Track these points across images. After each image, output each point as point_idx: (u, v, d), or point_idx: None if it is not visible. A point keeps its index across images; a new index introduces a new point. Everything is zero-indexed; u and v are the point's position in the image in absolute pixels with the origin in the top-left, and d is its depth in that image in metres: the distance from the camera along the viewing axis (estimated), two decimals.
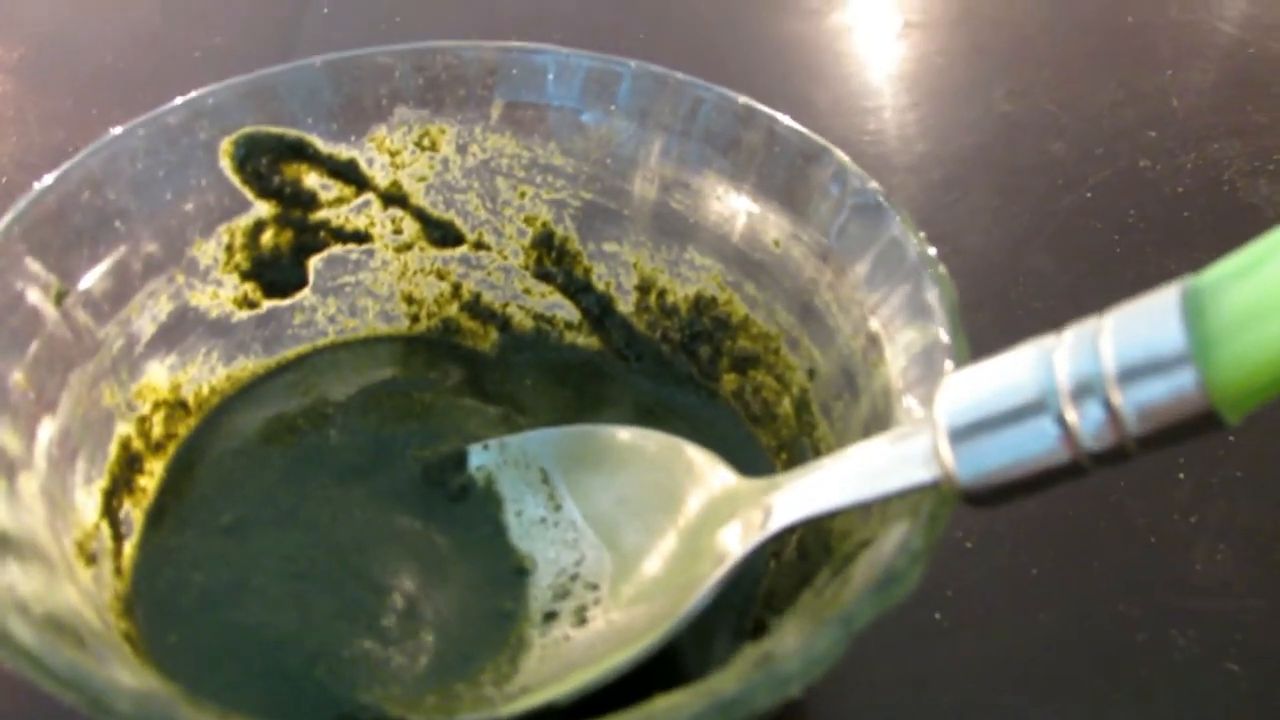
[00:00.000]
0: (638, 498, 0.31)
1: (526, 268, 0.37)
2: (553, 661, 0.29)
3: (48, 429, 0.29)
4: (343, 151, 0.35)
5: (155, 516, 0.32)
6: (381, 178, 0.36)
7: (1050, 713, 0.33)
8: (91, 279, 0.31)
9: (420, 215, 0.37)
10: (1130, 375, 0.21)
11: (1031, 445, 0.22)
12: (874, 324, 0.29)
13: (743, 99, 0.33)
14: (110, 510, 0.31)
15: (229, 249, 0.35)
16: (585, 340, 0.37)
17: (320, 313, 0.37)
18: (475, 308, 0.38)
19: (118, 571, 0.30)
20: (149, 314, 0.33)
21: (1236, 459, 0.38)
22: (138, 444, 0.32)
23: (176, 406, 0.34)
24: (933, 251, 0.29)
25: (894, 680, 0.33)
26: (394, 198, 0.36)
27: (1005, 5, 0.59)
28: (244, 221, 0.35)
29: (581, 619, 0.30)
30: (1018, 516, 0.36)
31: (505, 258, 0.37)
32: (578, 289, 0.37)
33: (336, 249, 0.37)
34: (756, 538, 0.27)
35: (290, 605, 0.30)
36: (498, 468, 0.33)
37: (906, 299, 0.28)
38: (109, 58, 0.55)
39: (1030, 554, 0.36)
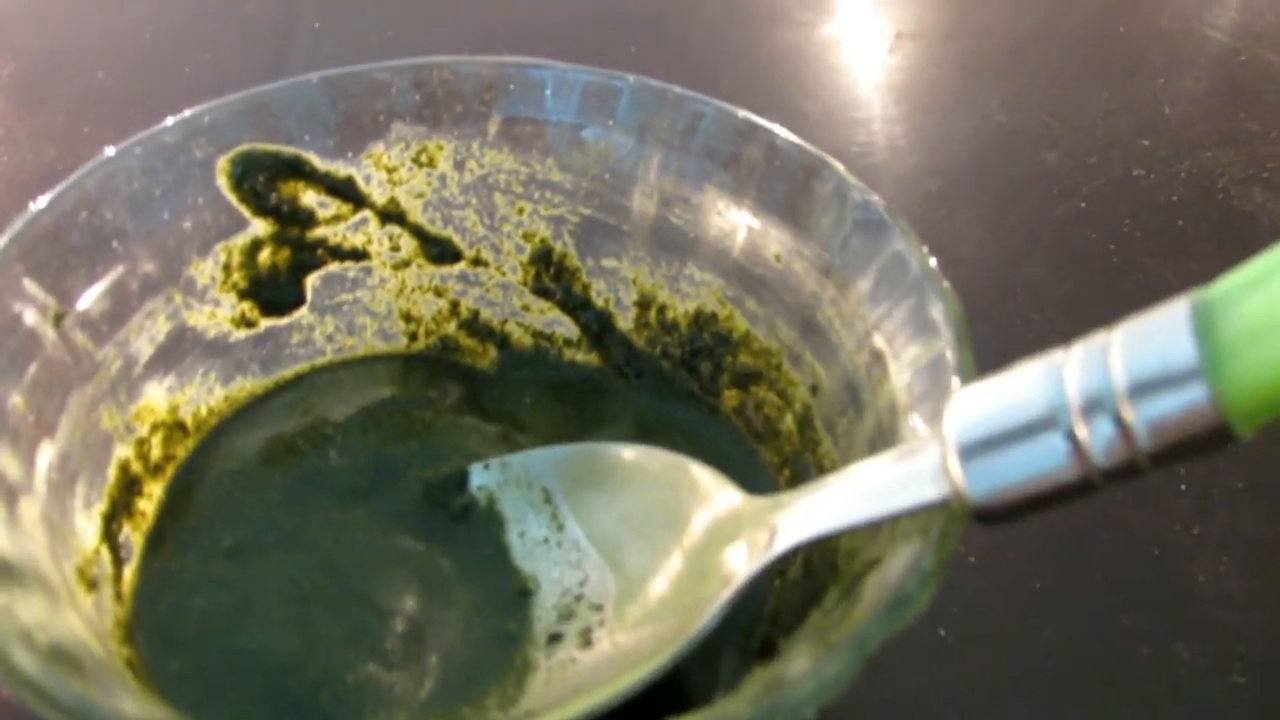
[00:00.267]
0: (641, 517, 0.31)
1: (525, 284, 0.37)
2: (558, 684, 0.28)
3: (47, 453, 0.28)
4: (340, 169, 0.35)
5: (155, 540, 0.32)
6: (379, 194, 0.36)
7: None
8: (89, 299, 0.31)
9: (418, 232, 0.36)
10: (1141, 390, 0.21)
11: (1042, 462, 0.22)
12: (878, 339, 0.29)
13: (742, 113, 0.33)
14: (110, 535, 0.30)
15: (226, 268, 0.34)
16: (585, 357, 0.37)
17: (318, 331, 0.37)
18: (473, 325, 0.38)
19: (118, 597, 0.30)
20: (147, 334, 0.33)
21: (1237, 470, 0.38)
22: (136, 467, 0.32)
23: (175, 428, 0.34)
24: (934, 262, 0.29)
25: (901, 697, 0.33)
26: (391, 214, 0.36)
27: (997, 16, 0.59)
28: (241, 240, 0.34)
29: (586, 641, 0.29)
30: (1020, 531, 0.35)
31: (503, 274, 0.37)
32: (577, 305, 0.37)
33: (334, 267, 0.36)
34: (763, 559, 0.27)
35: (293, 630, 0.30)
36: (499, 487, 0.33)
37: (911, 314, 0.28)
38: (99, 74, 0.55)
39: (1033, 568, 0.36)
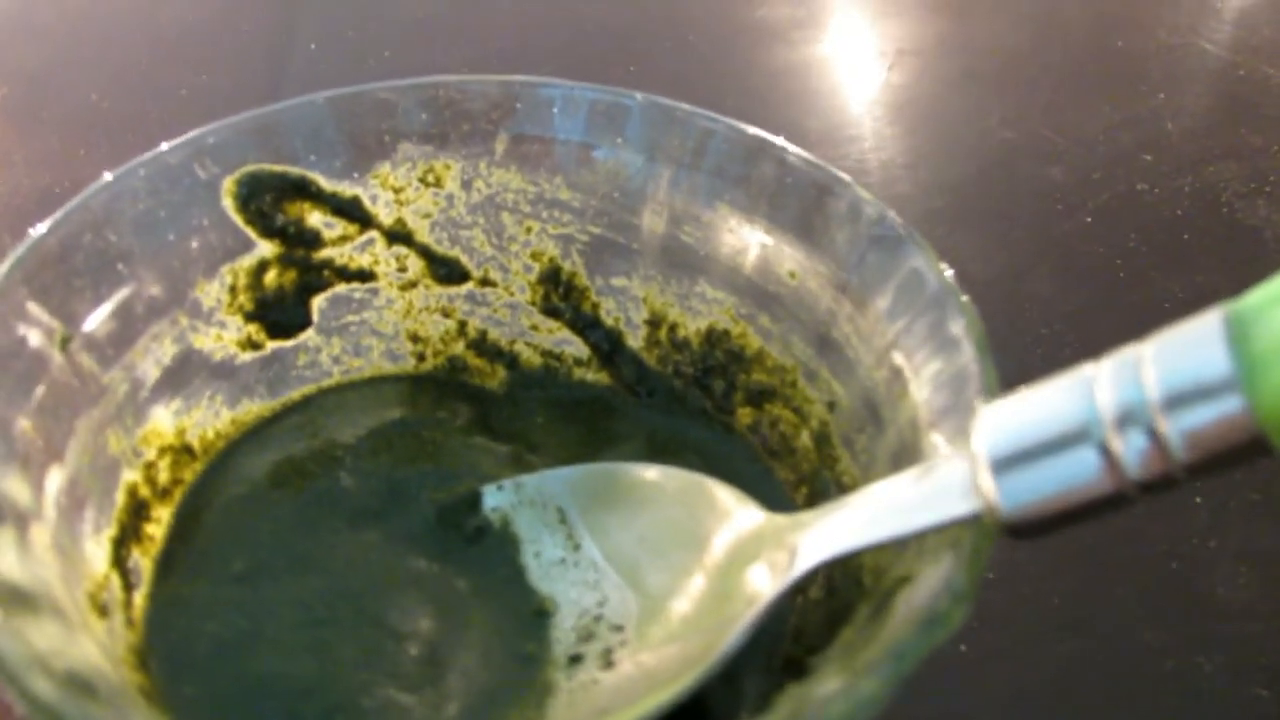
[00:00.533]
0: (660, 536, 0.31)
1: (534, 304, 0.37)
2: (582, 706, 0.28)
3: (56, 478, 0.28)
4: (346, 189, 0.35)
5: (165, 565, 0.31)
6: (385, 215, 0.35)
7: None
8: (95, 322, 0.30)
9: (425, 252, 0.36)
10: (1175, 402, 0.21)
11: (1075, 474, 0.22)
12: (897, 355, 0.29)
13: (753, 130, 0.33)
14: (119, 560, 0.30)
15: (232, 290, 0.34)
16: (595, 376, 0.37)
17: (324, 353, 0.36)
18: (482, 345, 0.37)
19: (129, 623, 0.29)
20: (153, 357, 0.32)
21: (1252, 482, 0.38)
22: (145, 491, 0.32)
23: (182, 452, 0.33)
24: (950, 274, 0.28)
25: (924, 713, 0.32)
26: (398, 235, 0.36)
27: (996, 33, 0.60)
28: (247, 262, 0.34)
29: (608, 661, 0.29)
30: (1038, 546, 0.35)
31: (512, 294, 0.37)
32: (586, 325, 0.37)
33: (340, 288, 0.36)
34: (786, 578, 0.26)
35: (308, 654, 0.29)
36: (513, 508, 0.33)
37: (930, 329, 0.28)
38: (94, 97, 0.54)
39: (1052, 583, 0.35)
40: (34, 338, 0.29)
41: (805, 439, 0.33)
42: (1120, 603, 0.35)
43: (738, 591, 0.28)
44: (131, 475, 0.31)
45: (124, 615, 0.29)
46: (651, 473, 0.32)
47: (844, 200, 0.31)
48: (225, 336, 0.34)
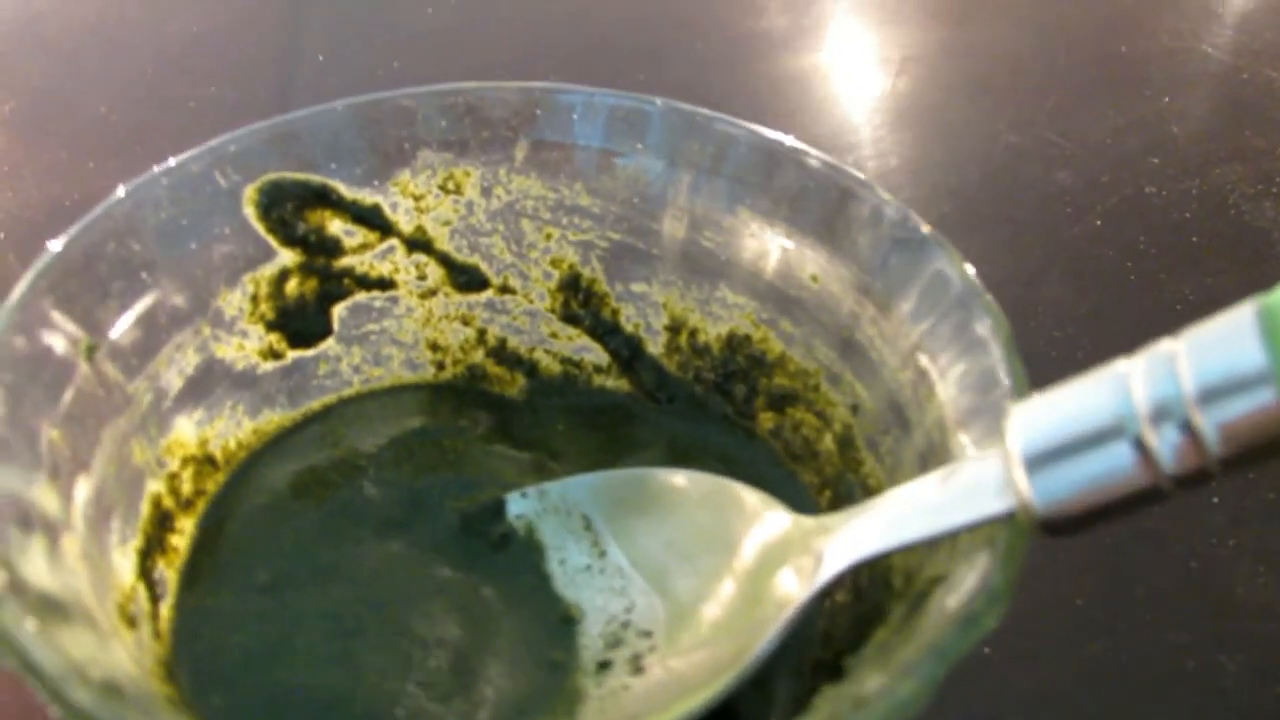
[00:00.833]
0: (687, 541, 0.31)
1: (553, 311, 0.37)
2: (613, 712, 0.28)
3: (83, 489, 0.28)
4: (366, 197, 0.35)
5: (190, 576, 0.31)
6: (405, 222, 0.35)
7: None
8: (119, 331, 0.30)
9: (445, 260, 0.36)
10: (1210, 396, 0.21)
11: (1111, 470, 0.22)
12: (922, 357, 0.29)
13: (773, 134, 0.33)
14: (145, 571, 0.30)
15: (254, 299, 0.34)
16: (614, 383, 0.37)
17: (345, 362, 0.36)
18: (501, 353, 0.37)
19: (156, 635, 0.29)
20: (176, 367, 0.32)
21: (1269, 482, 0.38)
22: (168, 502, 0.32)
23: (205, 462, 0.33)
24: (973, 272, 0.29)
25: (948, 717, 0.32)
26: (418, 243, 0.36)
27: (999, 39, 0.60)
28: (268, 270, 0.34)
29: (638, 667, 0.29)
30: (1058, 547, 0.36)
31: (531, 301, 0.37)
32: (606, 331, 0.37)
33: (360, 296, 0.36)
34: (816, 581, 0.27)
35: (336, 663, 0.29)
36: (537, 515, 0.33)
37: (955, 330, 0.28)
38: (103, 109, 0.54)
39: (1073, 584, 0.35)
40: (59, 346, 0.28)
41: (828, 442, 0.33)
42: (1141, 603, 0.35)
43: (767, 595, 0.28)
44: (156, 486, 0.31)
45: (151, 627, 0.29)
46: (677, 477, 0.32)
47: (866, 203, 0.31)
48: (247, 346, 0.34)
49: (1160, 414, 0.22)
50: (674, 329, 0.36)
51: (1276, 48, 0.58)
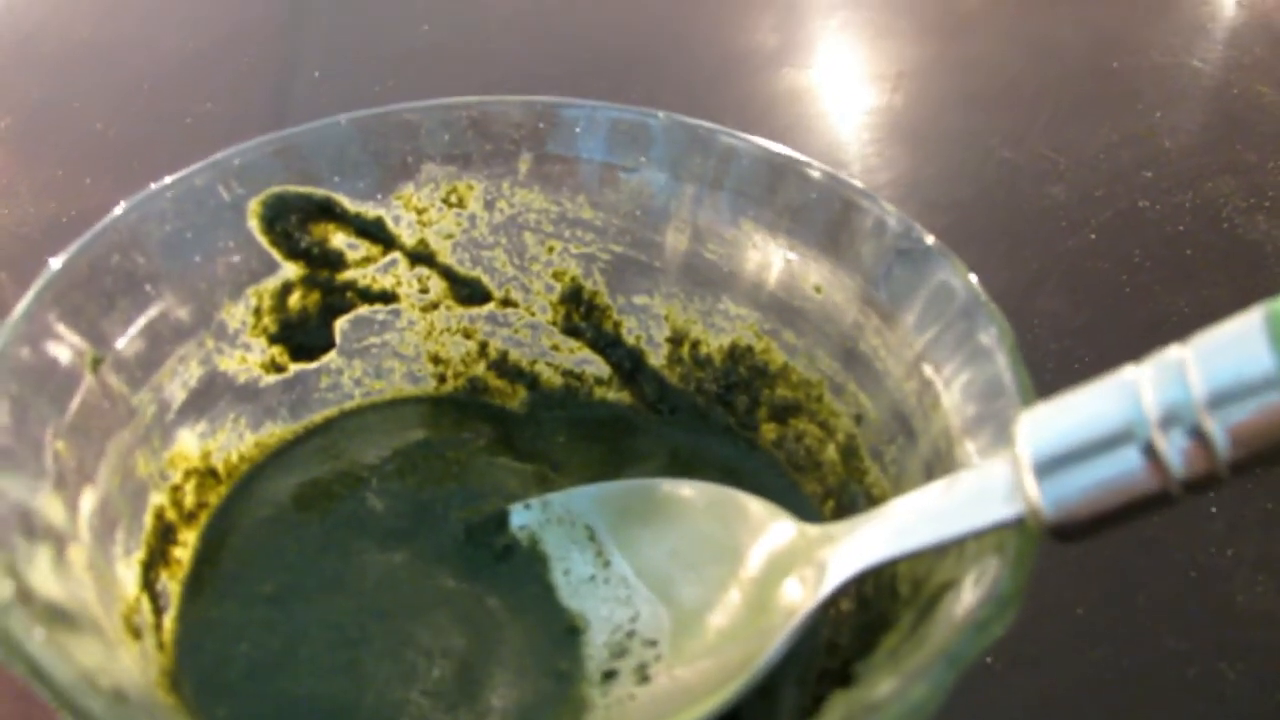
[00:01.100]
0: (691, 550, 0.31)
1: (555, 324, 0.37)
2: None
3: (89, 500, 0.28)
4: (370, 210, 0.35)
5: (193, 588, 0.31)
6: (408, 236, 0.35)
7: None
8: (124, 343, 0.30)
9: (447, 273, 0.36)
10: (1219, 400, 0.21)
11: (1120, 475, 0.22)
12: (927, 367, 0.29)
13: (775, 147, 0.33)
14: (149, 583, 0.30)
15: (257, 312, 0.34)
16: (616, 395, 0.37)
17: (346, 375, 0.36)
18: (503, 366, 0.37)
19: (160, 646, 0.29)
20: (180, 380, 0.32)
21: (1267, 492, 0.38)
22: (171, 514, 0.32)
23: (207, 475, 0.33)
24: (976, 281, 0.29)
25: None
26: (421, 256, 0.36)
27: (994, 55, 0.60)
28: (272, 283, 0.34)
29: (643, 677, 0.29)
30: (1060, 556, 0.36)
31: (533, 314, 0.37)
32: (607, 344, 0.37)
33: (363, 310, 0.36)
34: (822, 589, 0.27)
35: (341, 674, 0.29)
36: (541, 526, 0.33)
37: (960, 340, 0.28)
38: (99, 125, 0.55)
39: (1074, 593, 0.35)
40: (65, 358, 0.28)
41: (831, 452, 0.33)
42: (1142, 611, 0.36)
43: (773, 604, 0.28)
44: (159, 498, 0.31)
45: (155, 639, 0.29)
46: (681, 487, 0.32)
47: (869, 214, 0.31)
48: (249, 359, 0.34)
49: (1170, 419, 0.22)
50: (676, 341, 0.36)
51: (1266, 63, 0.59)
